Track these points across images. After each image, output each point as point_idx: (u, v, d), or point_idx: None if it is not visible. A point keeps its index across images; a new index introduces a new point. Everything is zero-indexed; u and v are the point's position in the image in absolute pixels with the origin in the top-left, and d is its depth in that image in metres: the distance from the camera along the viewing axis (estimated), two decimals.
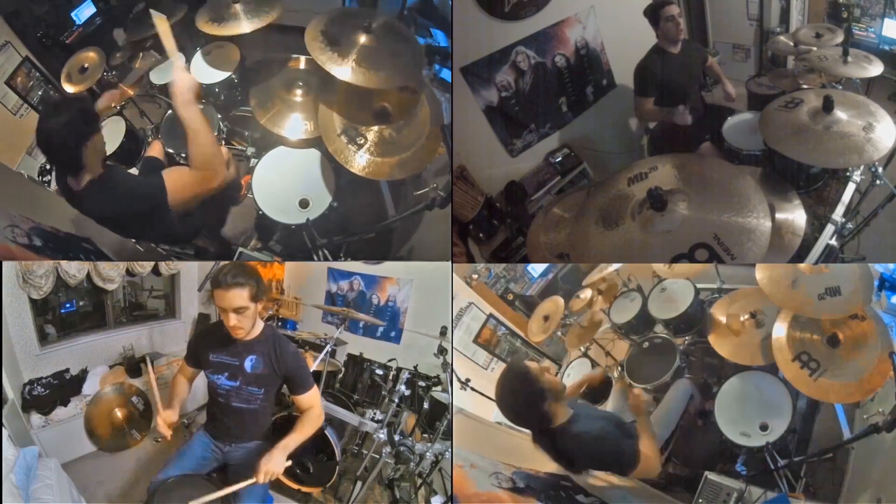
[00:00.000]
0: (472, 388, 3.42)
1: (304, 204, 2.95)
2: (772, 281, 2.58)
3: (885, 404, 2.27)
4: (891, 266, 2.72)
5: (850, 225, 2.70)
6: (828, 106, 2.50)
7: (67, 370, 3.51)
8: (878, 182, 2.69)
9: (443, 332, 3.46)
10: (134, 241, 3.07)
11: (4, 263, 2.91)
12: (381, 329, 4.42)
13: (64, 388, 3.40)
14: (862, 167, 2.71)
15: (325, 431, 3.00)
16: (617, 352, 3.52)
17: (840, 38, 3.40)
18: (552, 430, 2.18)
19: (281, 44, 3.43)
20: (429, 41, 3.85)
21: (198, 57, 3.41)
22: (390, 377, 3.69)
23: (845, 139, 2.42)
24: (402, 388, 3.37)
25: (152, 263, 3.91)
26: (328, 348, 3.41)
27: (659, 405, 2.90)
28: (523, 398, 2.16)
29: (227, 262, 2.62)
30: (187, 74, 2.33)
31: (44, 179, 3.60)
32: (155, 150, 3.06)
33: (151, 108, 3.49)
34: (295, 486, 3.11)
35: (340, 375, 3.87)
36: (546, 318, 3.63)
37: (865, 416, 2.37)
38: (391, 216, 3.29)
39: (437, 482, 3.09)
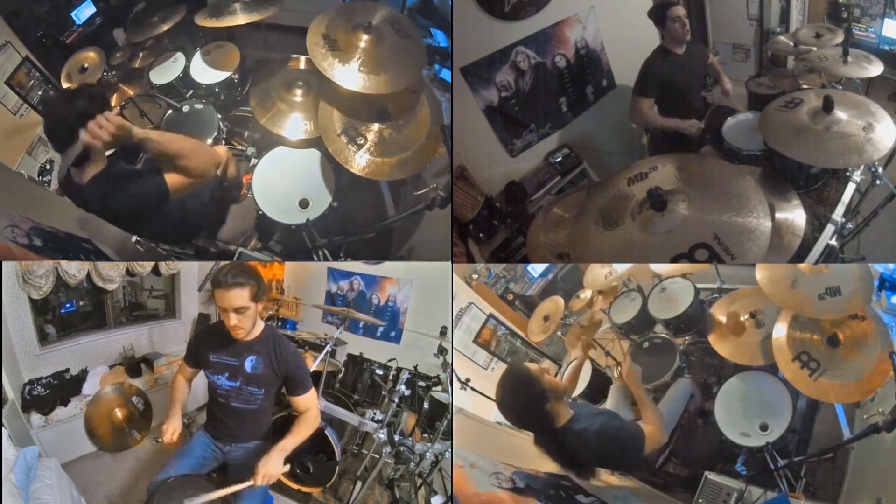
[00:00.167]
0: (472, 388, 3.41)
1: (304, 204, 2.95)
2: (772, 281, 2.58)
3: (885, 404, 2.27)
4: (891, 266, 2.72)
5: (850, 225, 2.70)
6: (828, 106, 2.50)
7: (67, 370, 3.51)
8: (878, 182, 2.69)
9: (443, 332, 3.46)
10: (134, 240, 3.07)
11: (4, 263, 2.91)
12: (381, 329, 4.42)
13: (64, 388, 3.40)
14: (862, 167, 2.71)
15: (325, 431, 3.00)
16: (617, 352, 3.52)
17: (840, 38, 3.40)
18: (555, 432, 2.18)
19: (281, 44, 3.43)
20: (429, 41, 3.85)
21: (198, 57, 3.41)
22: (390, 377, 3.69)
23: (845, 139, 2.42)
24: (402, 388, 3.37)
25: (152, 263, 3.91)
26: (328, 348, 3.41)
27: (659, 404, 2.90)
28: (524, 400, 2.17)
29: (227, 262, 2.63)
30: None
31: (44, 179, 3.59)
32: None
33: (151, 107, 3.49)
34: (295, 486, 3.11)
35: (340, 375, 3.86)
36: (546, 318, 3.62)
37: (865, 416, 2.37)
38: (391, 216, 3.29)
39: (437, 482, 3.09)
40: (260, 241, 3.18)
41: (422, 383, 3.51)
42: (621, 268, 3.42)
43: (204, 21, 3.16)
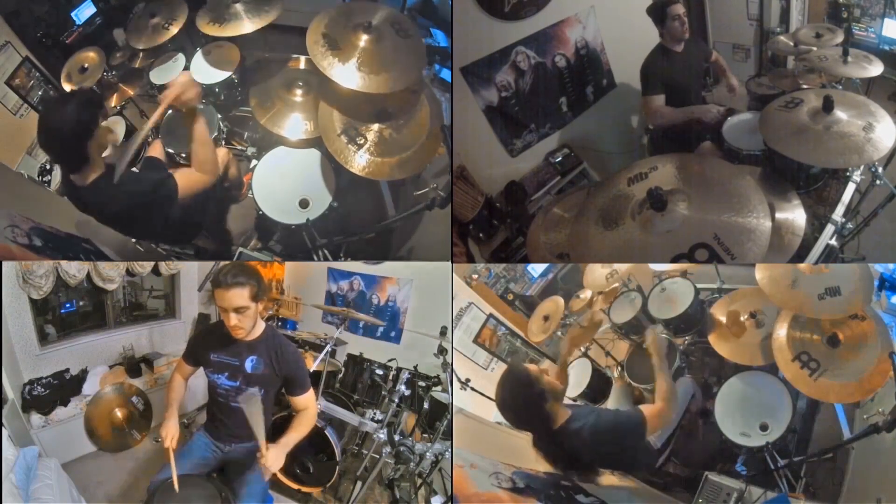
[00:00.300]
0: (472, 388, 3.41)
1: (304, 204, 2.95)
2: (772, 281, 2.58)
3: (885, 404, 2.27)
4: (891, 266, 2.72)
5: (850, 225, 2.70)
6: (828, 106, 2.50)
7: (67, 370, 3.51)
8: (878, 182, 2.69)
9: (443, 332, 3.46)
10: (134, 240, 3.07)
11: (4, 263, 2.91)
12: (381, 329, 4.42)
13: (64, 388, 3.40)
14: (862, 167, 2.70)
15: (325, 431, 3.00)
16: (617, 352, 3.52)
17: (840, 38, 3.39)
18: (553, 433, 2.18)
19: (281, 44, 3.43)
20: (429, 41, 3.85)
21: (198, 57, 3.41)
22: (390, 377, 3.69)
23: (845, 139, 2.42)
24: (402, 388, 3.37)
25: (152, 263, 3.91)
26: (328, 348, 3.41)
27: None
28: (524, 400, 2.17)
29: (227, 262, 2.64)
30: (191, 80, 2.45)
31: (44, 179, 3.59)
32: (155, 149, 3.06)
33: (151, 107, 3.48)
34: (295, 486, 3.11)
35: (340, 375, 3.86)
36: (546, 318, 3.62)
37: (865, 416, 2.37)
38: (391, 216, 3.29)
39: (437, 482, 3.09)
40: (260, 241, 3.18)
41: (422, 383, 3.51)
42: (621, 268, 3.42)
43: (208, 28, 3.15)
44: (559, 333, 3.67)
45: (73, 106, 2.18)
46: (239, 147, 3.37)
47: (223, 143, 3.23)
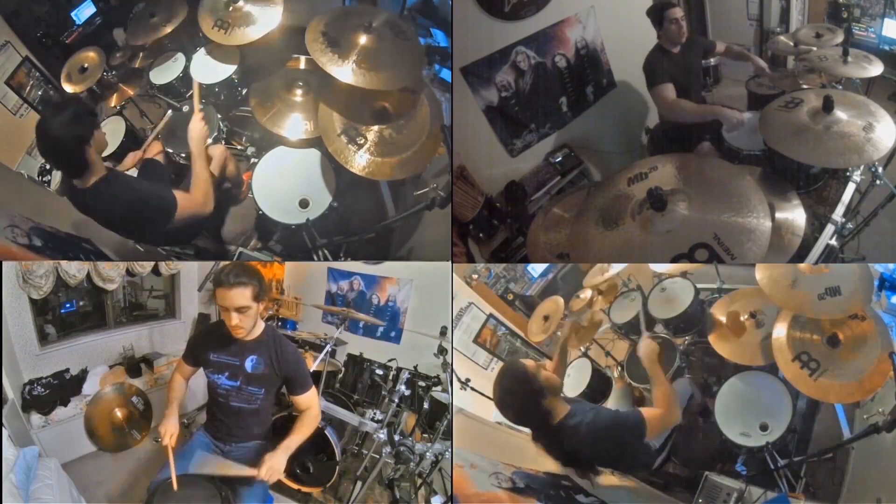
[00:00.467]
0: (472, 388, 3.41)
1: (304, 204, 2.95)
2: (772, 281, 2.58)
3: (885, 404, 2.27)
4: (891, 266, 2.72)
5: (850, 225, 2.70)
6: (828, 106, 2.50)
7: (67, 370, 3.51)
8: (878, 182, 2.69)
9: (443, 332, 3.46)
10: (133, 241, 3.07)
11: (4, 263, 2.91)
12: (381, 329, 4.42)
13: (64, 388, 3.40)
14: (862, 167, 2.71)
15: (325, 431, 3.00)
16: (617, 352, 3.52)
17: (840, 38, 3.40)
18: (552, 428, 2.18)
19: (281, 44, 3.43)
20: (429, 41, 3.85)
21: (198, 57, 3.41)
22: (390, 377, 3.69)
23: (845, 139, 2.42)
24: (402, 388, 3.37)
25: (152, 263, 3.91)
26: (328, 348, 3.41)
27: None
28: (521, 396, 2.17)
29: (228, 262, 2.65)
30: (202, 125, 2.71)
31: (44, 179, 3.59)
32: (155, 150, 3.06)
33: (151, 108, 3.49)
34: (295, 486, 3.11)
35: (340, 375, 3.87)
36: (546, 318, 3.62)
37: (865, 416, 2.37)
38: (391, 216, 3.29)
39: (437, 482, 3.09)
40: (260, 241, 3.18)
41: (422, 383, 3.51)
42: (621, 268, 3.42)
43: (212, 34, 3.14)
44: (559, 333, 3.67)
45: (66, 118, 2.22)
46: (239, 147, 3.37)
47: (223, 142, 3.23)
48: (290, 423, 2.30)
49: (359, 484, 3.10)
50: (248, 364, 2.25)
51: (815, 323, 2.53)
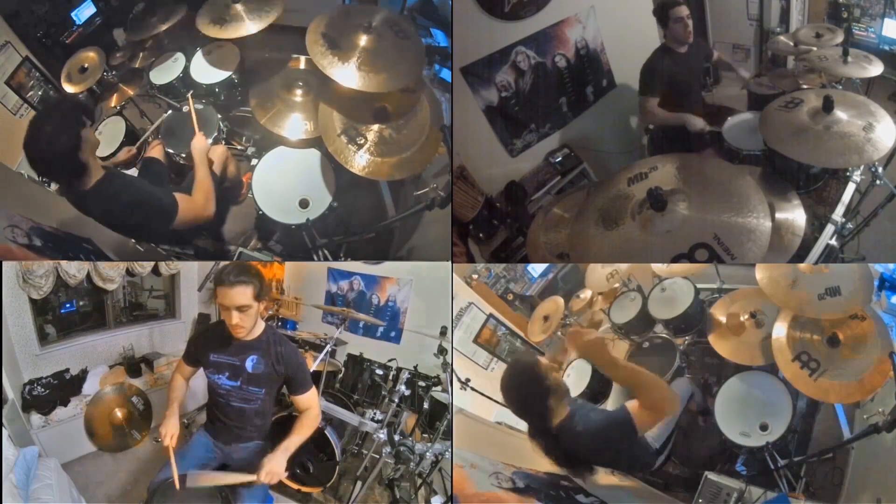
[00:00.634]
0: (472, 388, 3.41)
1: (304, 204, 2.95)
2: (772, 281, 2.58)
3: (885, 404, 2.27)
4: (891, 266, 2.72)
5: (850, 225, 2.70)
6: (828, 106, 2.50)
7: (67, 370, 3.51)
8: (878, 182, 2.69)
9: (443, 332, 3.46)
10: (134, 240, 3.07)
11: (4, 263, 2.91)
12: (381, 329, 4.42)
13: (64, 388, 3.40)
14: (862, 167, 2.71)
15: (325, 431, 3.00)
16: (617, 352, 3.52)
17: (840, 38, 3.40)
18: (551, 428, 2.18)
19: (281, 44, 3.43)
20: (429, 41, 3.85)
21: (198, 57, 3.41)
22: (390, 377, 3.70)
23: (845, 139, 2.42)
24: (402, 388, 3.37)
25: (152, 263, 3.91)
26: (328, 348, 3.41)
27: None
28: (528, 391, 2.17)
29: (228, 262, 2.65)
30: (204, 140, 2.79)
31: (44, 179, 3.59)
32: (155, 150, 3.06)
33: (151, 108, 3.49)
34: (295, 486, 3.11)
35: (340, 375, 3.87)
36: (546, 318, 3.63)
37: (865, 416, 2.37)
38: (391, 216, 3.29)
39: (437, 482, 3.09)
40: (260, 241, 3.18)
41: (422, 383, 3.51)
42: (621, 268, 3.42)
43: (209, 29, 3.15)
44: (559, 333, 3.68)
45: (51, 128, 2.21)
46: (239, 147, 3.37)
47: (223, 142, 3.23)
48: (290, 423, 2.30)
49: (359, 484, 3.10)
50: (249, 364, 2.25)
51: (815, 323, 2.53)
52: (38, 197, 3.38)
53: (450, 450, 2.93)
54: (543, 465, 2.39)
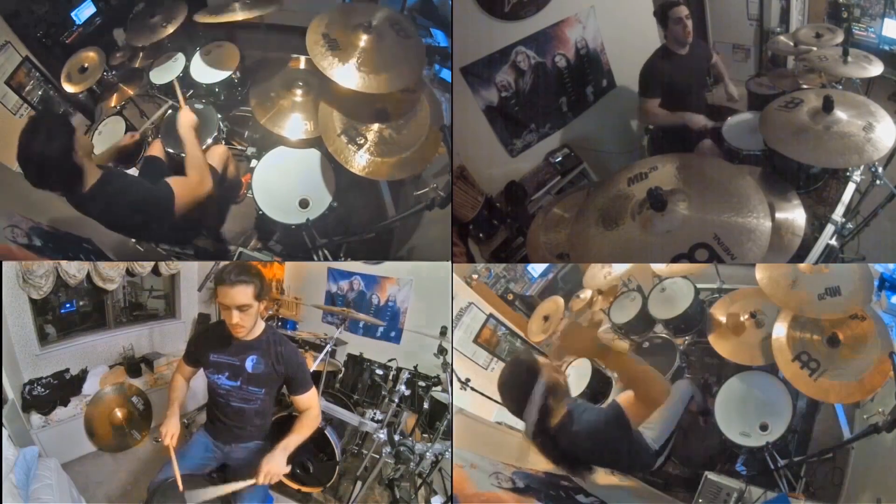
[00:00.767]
0: (472, 388, 3.41)
1: (304, 204, 2.95)
2: (772, 281, 2.58)
3: (885, 404, 2.27)
4: (891, 266, 2.72)
5: (850, 225, 2.70)
6: (828, 106, 2.50)
7: (67, 370, 3.51)
8: (878, 182, 2.69)
9: (443, 332, 3.46)
10: (134, 241, 3.07)
11: (4, 263, 2.91)
12: (381, 329, 4.42)
13: (64, 388, 3.40)
14: (862, 167, 2.71)
15: (325, 431, 3.00)
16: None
17: (840, 38, 3.40)
18: (549, 428, 2.18)
19: (281, 44, 3.43)
20: (429, 41, 3.85)
21: (198, 57, 3.41)
22: (390, 377, 3.70)
23: (845, 139, 2.42)
24: (402, 388, 3.37)
25: (152, 263, 3.91)
26: (328, 348, 3.41)
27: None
28: (526, 390, 2.17)
29: (229, 262, 2.64)
30: (191, 115, 2.73)
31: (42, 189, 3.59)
32: (155, 149, 3.06)
33: (151, 108, 3.48)
34: (295, 486, 3.11)
35: (340, 375, 3.87)
36: (546, 318, 3.62)
37: (865, 416, 2.37)
38: (391, 216, 3.29)
39: (437, 482, 3.09)
40: (260, 241, 3.18)
41: (422, 383, 3.51)
42: (621, 268, 3.42)
43: (202, 17, 3.16)
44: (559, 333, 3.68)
45: (41, 137, 2.21)
46: (239, 147, 3.37)
47: (223, 143, 3.23)
48: (290, 423, 2.30)
49: (359, 484, 3.10)
50: (249, 364, 2.25)
51: (815, 323, 2.54)
52: (38, 197, 3.37)
53: (450, 450, 2.93)
54: (543, 465, 2.39)
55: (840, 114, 2.49)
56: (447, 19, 3.58)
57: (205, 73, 3.36)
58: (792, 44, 3.63)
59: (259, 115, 3.13)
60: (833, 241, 2.63)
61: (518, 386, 2.21)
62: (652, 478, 2.75)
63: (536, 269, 4.79)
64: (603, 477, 2.47)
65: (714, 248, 1.98)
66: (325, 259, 3.02)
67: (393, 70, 2.78)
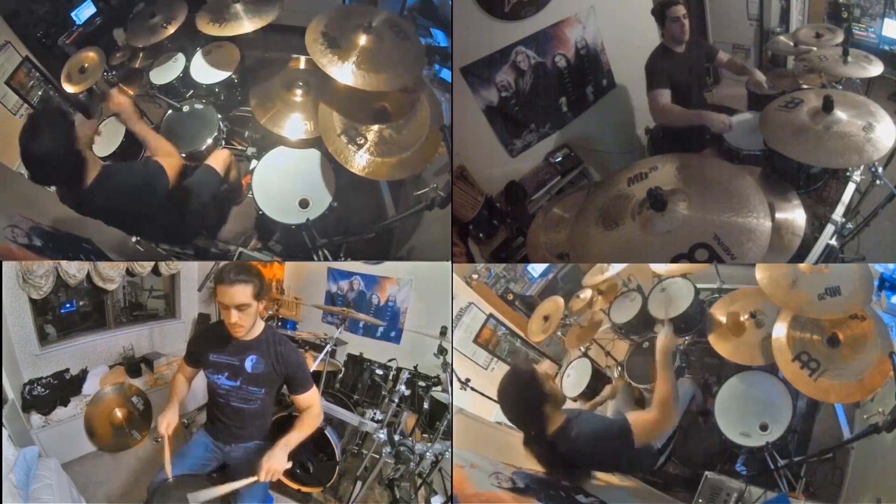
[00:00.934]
0: (472, 388, 3.42)
1: (304, 204, 2.95)
2: (772, 281, 2.58)
3: (885, 404, 2.27)
4: (891, 266, 2.72)
5: (850, 225, 2.70)
6: (828, 106, 2.50)
7: (67, 370, 3.51)
8: (878, 182, 2.69)
9: (443, 332, 3.46)
10: (134, 240, 3.07)
11: (4, 263, 2.91)
12: (381, 329, 4.42)
13: (64, 388, 3.40)
14: (862, 167, 2.71)
15: (325, 431, 3.00)
16: (617, 352, 3.52)
17: (840, 38, 3.40)
18: (546, 436, 2.19)
19: (281, 44, 3.43)
20: (429, 41, 3.85)
21: (198, 57, 3.41)
22: (390, 377, 3.70)
23: (845, 139, 2.42)
24: (402, 388, 3.37)
25: (152, 263, 3.91)
26: (328, 348, 3.41)
27: None
28: (524, 400, 2.17)
29: (228, 262, 2.64)
30: (123, 97, 2.73)
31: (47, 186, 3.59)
32: (162, 147, 3.06)
33: (151, 107, 3.49)
34: (295, 486, 3.11)
35: (340, 375, 3.87)
36: (546, 318, 3.62)
37: (865, 416, 2.37)
38: (391, 216, 3.29)
39: (437, 482, 3.09)
40: (260, 241, 3.18)
41: (422, 383, 3.51)
42: (621, 268, 3.42)
43: (208, 28, 3.16)
44: (559, 333, 3.68)
45: (43, 128, 2.23)
46: (239, 147, 3.37)
47: (223, 143, 3.23)
48: (290, 423, 2.30)
49: (359, 484, 3.10)
50: (248, 364, 2.25)
51: (815, 323, 2.53)
52: (38, 197, 3.38)
53: (450, 450, 2.93)
54: (535, 465, 2.39)
55: (840, 114, 2.49)
56: (447, 19, 3.58)
57: (205, 73, 3.36)
58: (792, 44, 3.63)
59: (259, 115, 3.13)
60: (833, 241, 2.63)
61: (518, 396, 2.21)
62: (652, 478, 2.75)
63: (536, 269, 4.80)
64: (603, 477, 2.47)
65: (714, 248, 1.98)
66: (325, 259, 3.02)
67: (391, 70, 2.78)
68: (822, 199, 2.84)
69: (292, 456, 2.15)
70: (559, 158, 3.98)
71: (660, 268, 3.29)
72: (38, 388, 3.29)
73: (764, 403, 2.56)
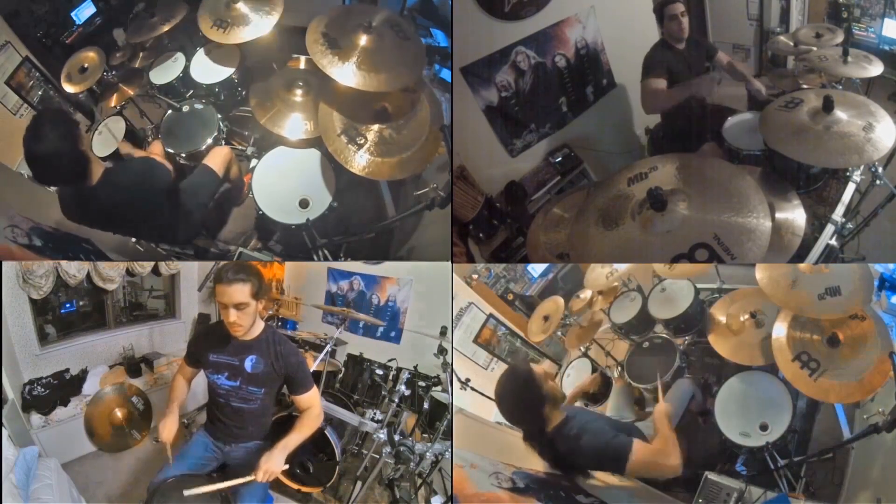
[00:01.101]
0: (472, 388, 3.42)
1: (304, 204, 2.95)
2: (772, 281, 2.58)
3: (885, 404, 2.27)
4: (891, 266, 2.72)
5: (850, 225, 2.70)
6: (828, 106, 2.50)
7: (67, 370, 3.51)
8: (878, 182, 2.69)
9: (443, 332, 3.46)
10: (134, 240, 3.07)
11: (4, 263, 2.91)
12: (381, 329, 4.42)
13: (64, 388, 3.40)
14: (862, 167, 2.71)
15: (325, 431, 3.00)
16: (617, 352, 3.52)
17: (840, 38, 3.40)
18: (546, 434, 2.19)
19: (281, 44, 3.43)
20: (429, 41, 3.85)
21: (198, 57, 3.41)
22: (390, 377, 3.70)
23: (845, 139, 2.42)
24: (402, 388, 3.38)
25: (152, 263, 3.91)
26: (328, 348, 3.41)
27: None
28: (523, 400, 2.17)
29: (227, 262, 2.65)
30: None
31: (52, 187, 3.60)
32: (155, 150, 3.07)
33: (151, 107, 3.49)
34: (295, 486, 3.11)
35: (340, 375, 3.87)
36: (546, 318, 3.62)
37: (865, 416, 2.37)
38: (391, 216, 3.29)
39: (437, 482, 3.09)
40: (260, 241, 3.18)
41: (422, 383, 3.51)
42: (621, 268, 3.42)
43: (211, 33, 3.14)
44: (559, 333, 3.68)
45: (50, 132, 2.24)
46: (239, 147, 3.37)
47: (223, 143, 3.23)
48: (290, 423, 2.30)
49: (359, 484, 3.10)
50: (248, 364, 2.25)
51: (815, 323, 2.53)
52: (38, 197, 3.38)
53: (450, 450, 2.93)
54: (543, 465, 2.39)
55: (840, 114, 2.49)
56: (447, 19, 3.58)
57: (205, 73, 3.35)
58: (792, 44, 3.63)
59: (259, 115, 3.13)
60: (833, 241, 2.63)
61: (516, 397, 2.21)
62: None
63: (536, 269, 4.80)
64: (603, 477, 2.47)
65: (714, 248, 1.98)
66: (325, 259, 3.02)
67: (392, 70, 2.78)
68: (822, 199, 2.84)
69: (291, 456, 2.16)
70: (559, 158, 3.98)
71: (660, 268, 3.29)
72: (38, 388, 3.29)
73: (764, 403, 2.56)
